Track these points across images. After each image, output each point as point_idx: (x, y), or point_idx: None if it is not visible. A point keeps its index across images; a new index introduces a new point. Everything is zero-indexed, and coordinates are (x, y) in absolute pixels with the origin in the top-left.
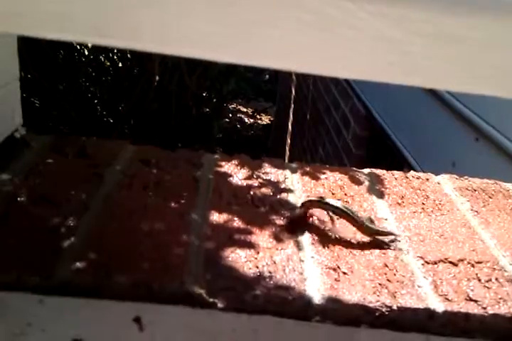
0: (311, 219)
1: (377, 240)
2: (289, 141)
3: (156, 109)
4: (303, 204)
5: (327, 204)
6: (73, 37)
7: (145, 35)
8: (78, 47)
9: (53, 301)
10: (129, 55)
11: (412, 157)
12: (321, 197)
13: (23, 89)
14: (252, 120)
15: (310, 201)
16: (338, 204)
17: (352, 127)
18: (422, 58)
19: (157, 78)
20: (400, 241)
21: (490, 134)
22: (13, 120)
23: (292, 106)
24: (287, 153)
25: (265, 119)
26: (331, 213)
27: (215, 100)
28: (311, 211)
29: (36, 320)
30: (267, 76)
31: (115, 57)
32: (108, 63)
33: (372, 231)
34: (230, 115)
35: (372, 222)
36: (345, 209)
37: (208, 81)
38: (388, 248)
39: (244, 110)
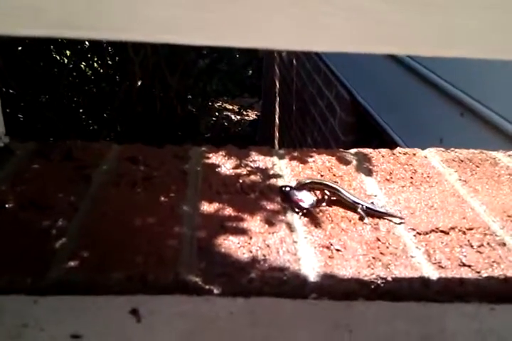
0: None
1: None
2: (277, 134)
3: (141, 112)
4: (304, 184)
5: (327, 185)
6: (46, 32)
7: (115, 24)
8: (58, 57)
9: (48, 300)
10: (109, 62)
11: (399, 138)
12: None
13: (6, 105)
14: (238, 117)
15: (312, 183)
16: (334, 184)
17: (338, 114)
18: (396, 26)
19: (139, 83)
20: (404, 222)
21: (474, 108)
22: None
23: (277, 99)
24: (276, 146)
25: (252, 115)
26: (328, 193)
27: (200, 99)
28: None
29: (32, 320)
30: (250, 71)
31: (95, 64)
32: (90, 71)
33: (373, 211)
34: (217, 113)
35: (373, 204)
36: (341, 190)
37: (191, 79)
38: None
39: (230, 107)
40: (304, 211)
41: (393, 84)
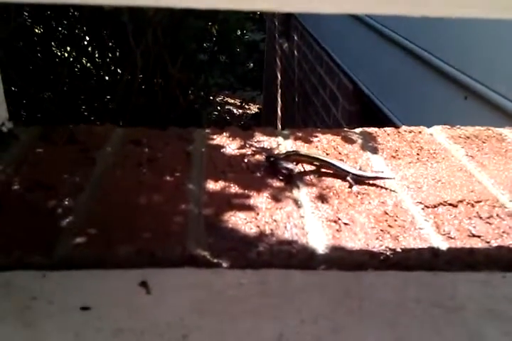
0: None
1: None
2: (280, 126)
3: (143, 104)
4: (289, 155)
5: (311, 157)
6: None
7: None
8: (59, 53)
9: (57, 275)
10: (110, 54)
11: (403, 124)
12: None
13: (8, 102)
14: (241, 110)
15: (297, 154)
16: (321, 156)
17: (341, 103)
18: None
19: (141, 75)
20: (393, 178)
21: (478, 91)
22: None
23: (279, 91)
24: None
25: (254, 108)
26: (317, 163)
27: (202, 93)
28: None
29: (41, 293)
30: (251, 64)
31: (96, 59)
32: (91, 66)
33: (363, 177)
34: (219, 108)
35: (361, 169)
36: (328, 161)
37: (192, 73)
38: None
39: (232, 101)
40: (286, 177)
41: (396, 71)
